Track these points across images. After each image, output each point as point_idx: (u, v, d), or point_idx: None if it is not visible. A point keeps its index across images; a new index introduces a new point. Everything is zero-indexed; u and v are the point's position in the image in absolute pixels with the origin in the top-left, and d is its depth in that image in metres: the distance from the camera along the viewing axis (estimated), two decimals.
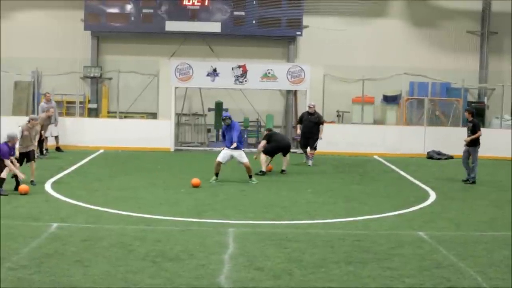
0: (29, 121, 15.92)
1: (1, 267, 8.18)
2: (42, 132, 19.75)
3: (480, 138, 16.55)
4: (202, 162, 19.33)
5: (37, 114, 21.15)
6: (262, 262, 8.72)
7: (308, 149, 19.36)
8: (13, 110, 23.90)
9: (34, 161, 15.33)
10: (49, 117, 20.09)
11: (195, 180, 14.98)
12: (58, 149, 21.33)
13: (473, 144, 16.45)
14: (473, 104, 24.70)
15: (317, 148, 19.53)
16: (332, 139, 20.89)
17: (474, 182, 16.42)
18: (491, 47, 25.82)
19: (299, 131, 19.57)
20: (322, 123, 19.37)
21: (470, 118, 16.64)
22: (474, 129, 16.45)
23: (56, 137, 21.45)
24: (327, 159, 20.49)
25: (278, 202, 13.42)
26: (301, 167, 19.08)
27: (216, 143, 23.84)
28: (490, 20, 25.67)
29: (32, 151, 15.42)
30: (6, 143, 13.77)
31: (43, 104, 21.50)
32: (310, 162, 19.20)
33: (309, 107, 19.47)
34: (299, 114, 25.02)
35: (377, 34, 25.58)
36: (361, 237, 10.39)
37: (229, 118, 15.99)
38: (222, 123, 16.17)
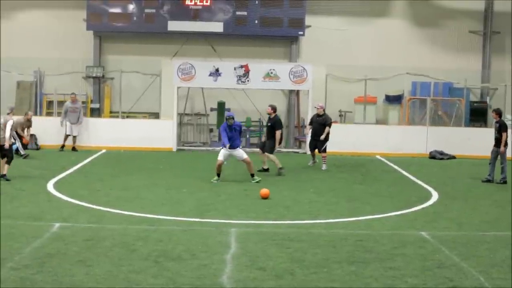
0: (10, 111, 16.56)
1: (3, 267, 8.18)
2: (25, 133, 19.87)
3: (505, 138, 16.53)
4: (204, 162, 19.32)
5: (62, 114, 21.50)
6: (264, 262, 8.72)
7: (318, 152, 18.88)
8: (15, 110, 23.90)
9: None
10: (28, 120, 20.15)
11: (264, 191, 13.66)
12: (73, 149, 21.58)
13: (504, 145, 16.37)
14: (475, 104, 24.73)
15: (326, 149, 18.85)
16: (334, 139, 20.81)
17: (505, 182, 16.37)
18: (494, 47, 25.80)
19: (307, 131, 19.29)
20: (329, 124, 18.69)
21: (497, 119, 16.62)
22: (500, 130, 16.38)
23: (74, 137, 21.69)
24: (329, 159, 20.42)
25: (280, 202, 13.41)
26: (302, 167, 19.07)
27: (218, 143, 23.84)
28: (493, 20, 25.66)
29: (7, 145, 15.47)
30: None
31: (68, 103, 21.80)
32: (324, 167, 18.60)
33: (316, 108, 19.07)
34: (301, 114, 25.10)
35: (379, 34, 25.57)
36: (364, 237, 10.38)
37: (233, 118, 15.95)
38: (227, 122, 15.87)
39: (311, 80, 22.83)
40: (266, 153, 17.42)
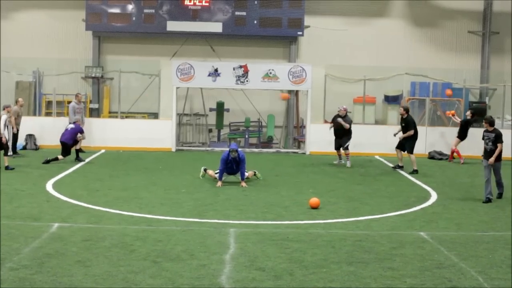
0: (3, 109, 17.53)
1: (2, 267, 8.19)
2: (17, 126, 19.88)
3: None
4: (203, 162, 19.29)
5: (72, 115, 21.45)
6: (263, 262, 8.73)
7: (342, 151, 19.66)
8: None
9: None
10: (21, 106, 20.29)
11: (314, 201, 12.95)
12: (80, 150, 21.44)
13: (497, 158, 13.96)
14: (474, 104, 24.72)
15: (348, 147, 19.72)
16: (333, 139, 20.85)
17: (501, 195, 14.38)
18: (493, 47, 25.83)
19: (330, 124, 19.88)
20: (349, 122, 19.67)
21: (491, 129, 14.15)
22: (496, 141, 13.96)
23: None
24: (328, 159, 20.50)
25: (279, 202, 13.42)
26: (301, 167, 19.09)
27: (217, 143, 23.86)
28: (492, 20, 25.69)
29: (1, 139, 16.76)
30: None
31: (74, 104, 21.69)
32: (348, 163, 19.38)
33: (339, 110, 19.62)
34: (300, 114, 25.12)
35: (378, 34, 25.59)
36: (363, 237, 10.38)
37: (236, 150, 15.22)
38: (230, 155, 15.17)
39: (310, 80, 22.83)
40: (407, 153, 18.78)
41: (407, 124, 18.73)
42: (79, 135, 18.95)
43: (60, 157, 18.35)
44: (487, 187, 14.01)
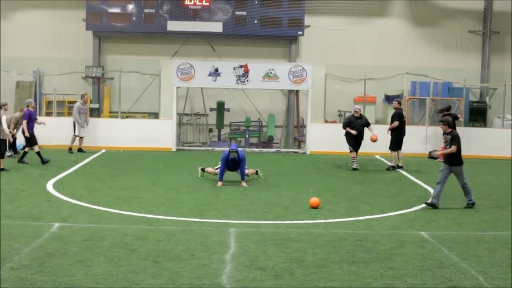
0: (0, 107, 17.21)
1: (3, 267, 8.19)
2: (15, 130, 19.81)
3: (460, 154, 13.23)
4: (204, 162, 19.29)
5: (76, 115, 21.41)
6: (263, 262, 8.72)
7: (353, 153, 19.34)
8: (15, 110, 23.84)
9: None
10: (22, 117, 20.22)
11: (314, 201, 12.90)
12: (80, 150, 21.47)
13: (457, 162, 13.15)
14: (474, 104, 24.74)
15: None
16: (334, 139, 20.87)
17: (473, 204, 13.34)
18: (493, 47, 25.83)
19: (354, 132, 18.84)
20: (369, 124, 19.25)
21: (448, 130, 13.25)
22: (452, 142, 13.13)
23: (81, 138, 21.62)
24: (328, 159, 20.50)
25: (280, 201, 13.42)
26: (301, 167, 19.09)
27: (218, 142, 23.86)
28: (492, 20, 25.69)
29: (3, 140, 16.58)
30: None
31: (79, 104, 21.75)
32: (355, 165, 19.01)
33: (355, 111, 19.24)
34: (301, 114, 25.09)
35: (378, 33, 25.59)
36: (363, 237, 10.38)
37: (236, 151, 15.13)
38: (230, 155, 15.10)
39: (310, 80, 22.83)
40: (388, 149, 19.05)
41: (393, 116, 18.96)
42: (23, 122, 18.59)
43: (27, 149, 18.45)
44: (437, 189, 13.18)
